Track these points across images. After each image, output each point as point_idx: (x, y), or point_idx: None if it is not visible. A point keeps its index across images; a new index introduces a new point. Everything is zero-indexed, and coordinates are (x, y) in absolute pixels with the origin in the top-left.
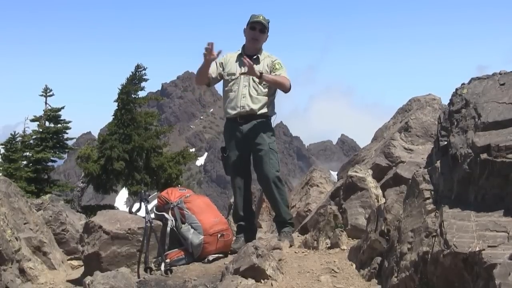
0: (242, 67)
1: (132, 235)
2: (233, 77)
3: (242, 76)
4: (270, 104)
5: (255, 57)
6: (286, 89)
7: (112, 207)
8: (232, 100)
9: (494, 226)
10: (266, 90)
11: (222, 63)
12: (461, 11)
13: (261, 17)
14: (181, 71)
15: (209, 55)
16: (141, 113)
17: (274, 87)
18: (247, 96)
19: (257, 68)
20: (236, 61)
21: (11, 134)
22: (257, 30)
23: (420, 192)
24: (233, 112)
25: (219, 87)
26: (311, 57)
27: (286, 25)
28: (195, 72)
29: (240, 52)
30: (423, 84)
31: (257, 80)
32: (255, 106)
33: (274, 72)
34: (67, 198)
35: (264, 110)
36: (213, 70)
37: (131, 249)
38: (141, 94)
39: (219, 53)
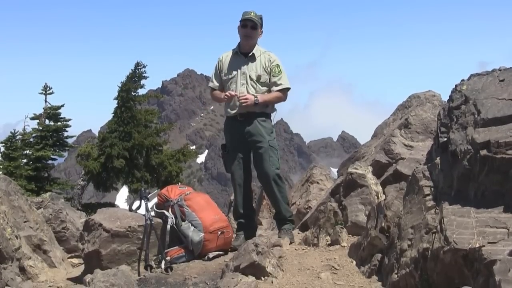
0: (239, 69)
1: (132, 233)
2: (230, 76)
3: (239, 74)
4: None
5: (250, 54)
6: (282, 101)
7: (112, 205)
8: (231, 99)
9: (494, 223)
10: (265, 88)
11: (219, 65)
12: (463, 8)
13: (252, 14)
14: (181, 69)
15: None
16: (141, 111)
17: (272, 104)
18: (245, 94)
19: (253, 65)
20: (232, 61)
21: (11, 132)
22: (248, 27)
23: (420, 189)
24: (233, 112)
25: None
26: (312, 54)
27: (288, 22)
28: (216, 97)
29: (236, 50)
30: (425, 82)
31: (254, 78)
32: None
33: (272, 76)
34: (68, 196)
35: (263, 107)
36: (216, 80)
37: (131, 247)
38: (141, 91)
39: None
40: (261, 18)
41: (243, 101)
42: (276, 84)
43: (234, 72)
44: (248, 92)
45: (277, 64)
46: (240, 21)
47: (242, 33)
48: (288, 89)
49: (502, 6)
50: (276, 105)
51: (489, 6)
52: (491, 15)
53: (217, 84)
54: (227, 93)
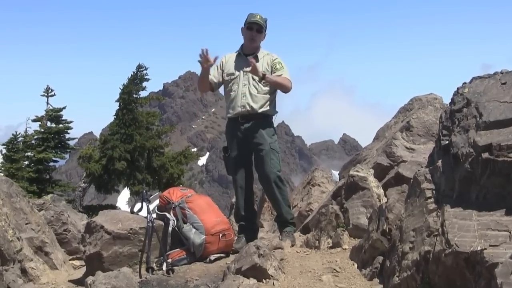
0: (241, 70)
1: (133, 235)
2: (233, 76)
3: (241, 75)
4: (271, 103)
5: (253, 55)
6: (287, 90)
7: (114, 207)
8: (233, 100)
9: (496, 226)
10: (267, 88)
11: (221, 65)
12: (466, 9)
13: (258, 17)
14: (182, 71)
15: (206, 63)
16: (142, 113)
17: (275, 88)
18: (247, 95)
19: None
20: (235, 61)
21: (12, 134)
22: (254, 30)
23: (421, 192)
24: (234, 112)
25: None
26: (314, 56)
27: (290, 24)
28: (198, 78)
29: (239, 52)
30: (427, 84)
31: (256, 78)
32: (255, 105)
33: (274, 72)
34: (69, 198)
35: (265, 109)
36: (214, 75)
37: (132, 249)
38: (143, 94)
39: (215, 58)
40: (265, 21)
41: (251, 61)
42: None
43: (237, 73)
44: (250, 93)
45: (279, 61)
46: (246, 23)
47: (247, 36)
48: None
49: (506, 8)
50: (277, 107)
51: (493, 7)
52: (494, 17)
53: (215, 81)
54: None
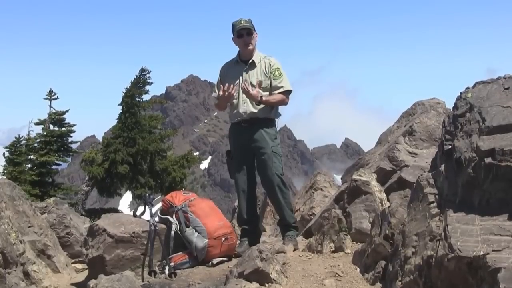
0: (240, 77)
1: (136, 238)
2: (233, 85)
3: (241, 82)
4: (272, 107)
5: (250, 61)
6: (283, 105)
7: (116, 210)
8: (235, 107)
9: (499, 230)
10: (266, 93)
11: (221, 78)
12: (471, 13)
13: (242, 22)
14: (185, 75)
15: (228, 96)
16: (145, 117)
17: (272, 106)
18: (248, 101)
19: (254, 72)
20: (233, 70)
21: (15, 137)
22: (245, 35)
23: (424, 196)
24: (236, 118)
25: None
26: (318, 60)
27: (295, 28)
28: (216, 102)
29: (236, 59)
30: (431, 88)
31: (255, 84)
32: (256, 110)
33: (273, 80)
34: (71, 202)
35: (267, 113)
36: (219, 89)
37: (135, 252)
38: (145, 97)
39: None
40: (251, 22)
41: (247, 89)
42: (277, 88)
43: (236, 81)
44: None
45: (277, 68)
46: (235, 33)
47: (241, 43)
48: (289, 91)
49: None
50: (279, 110)
51: (498, 11)
52: (501, 21)
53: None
54: (223, 90)
